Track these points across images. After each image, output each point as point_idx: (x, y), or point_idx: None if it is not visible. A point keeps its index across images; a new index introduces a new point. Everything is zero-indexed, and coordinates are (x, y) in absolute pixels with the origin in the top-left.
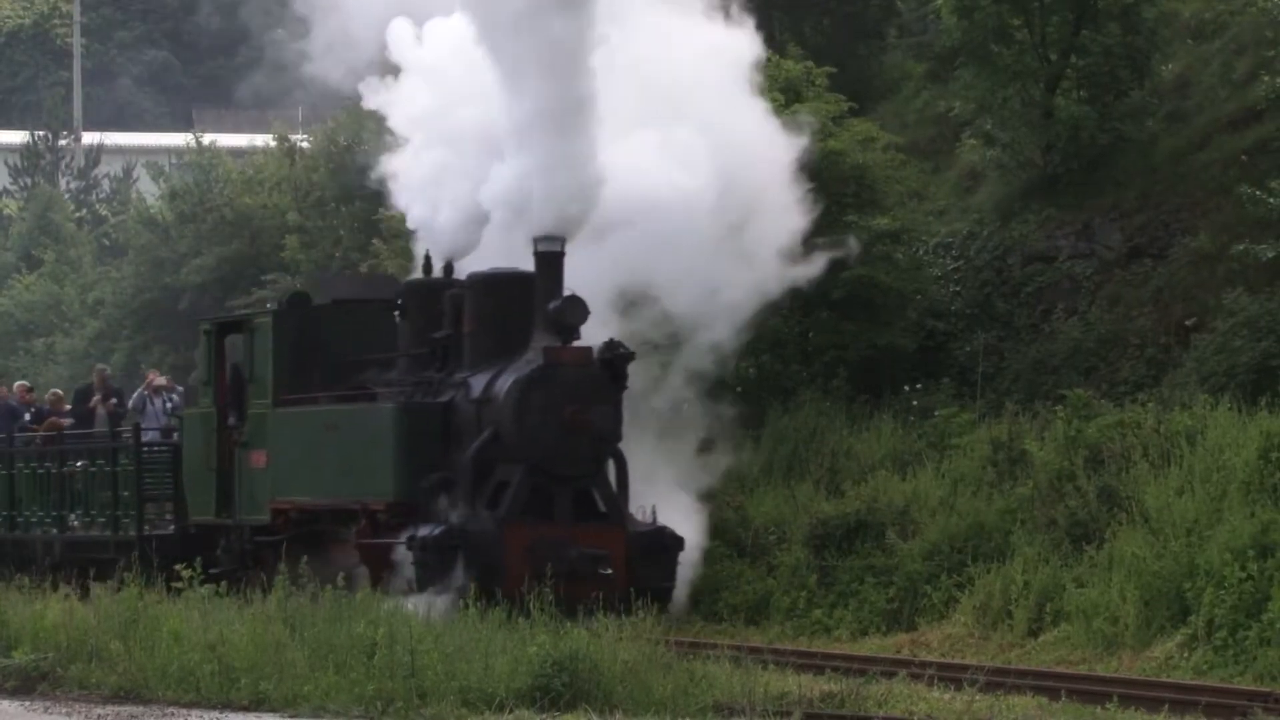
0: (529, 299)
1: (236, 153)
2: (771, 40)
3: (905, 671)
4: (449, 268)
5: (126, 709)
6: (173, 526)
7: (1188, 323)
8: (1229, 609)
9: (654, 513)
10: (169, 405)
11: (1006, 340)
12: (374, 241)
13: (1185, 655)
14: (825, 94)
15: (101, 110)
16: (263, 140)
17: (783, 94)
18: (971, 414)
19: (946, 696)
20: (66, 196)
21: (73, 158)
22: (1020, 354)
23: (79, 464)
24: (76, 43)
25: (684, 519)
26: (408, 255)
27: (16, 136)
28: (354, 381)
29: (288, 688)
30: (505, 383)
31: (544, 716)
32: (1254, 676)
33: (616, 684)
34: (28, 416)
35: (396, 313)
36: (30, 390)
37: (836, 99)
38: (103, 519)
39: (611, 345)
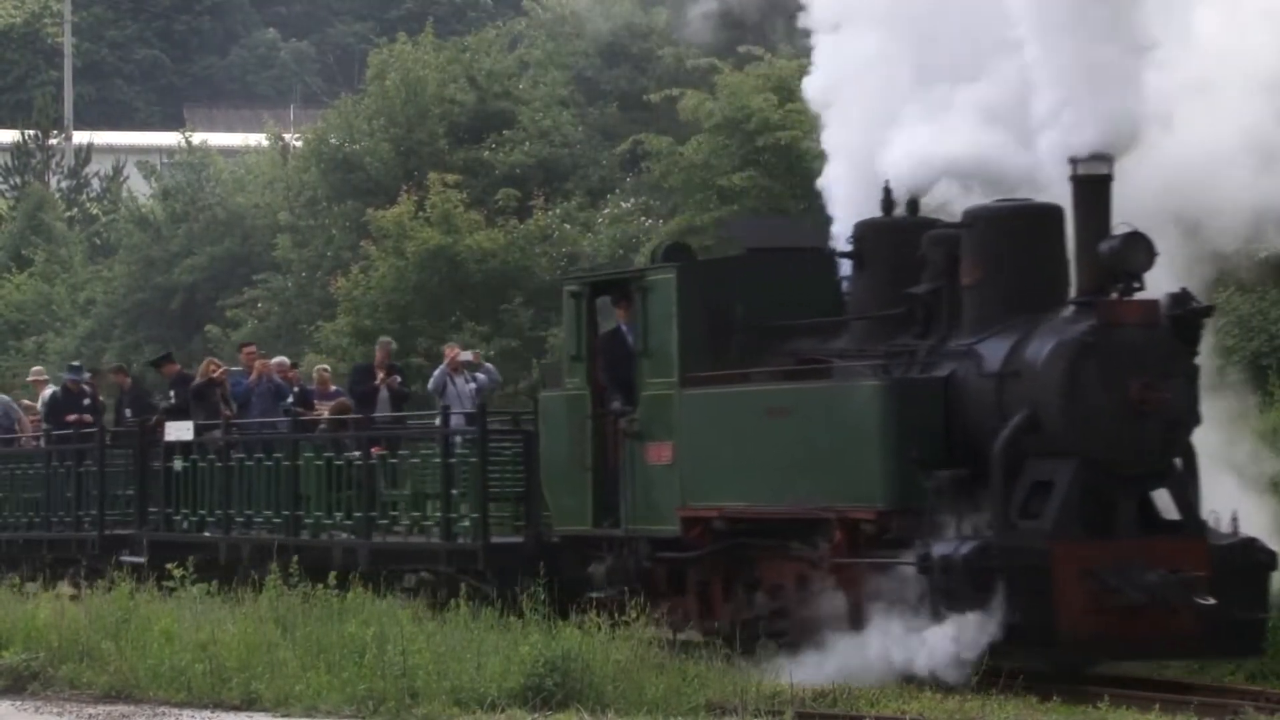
0: (1056, 239)
1: (228, 152)
2: (764, 39)
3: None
4: (914, 204)
5: (118, 709)
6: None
7: None
8: None
9: (1235, 520)
10: (473, 385)
11: None
12: (363, 243)
13: None
14: None
15: (92, 109)
16: (255, 139)
17: (775, 93)
18: None
19: (938, 696)
20: (57, 195)
21: (63, 156)
22: None
23: (369, 453)
24: (67, 41)
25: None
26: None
27: (7, 135)
28: (783, 351)
29: (279, 687)
30: (1042, 349)
31: (536, 716)
32: (1245, 675)
33: (609, 684)
34: (289, 399)
35: (848, 262)
36: (294, 367)
37: None
38: (430, 522)
39: (1183, 297)
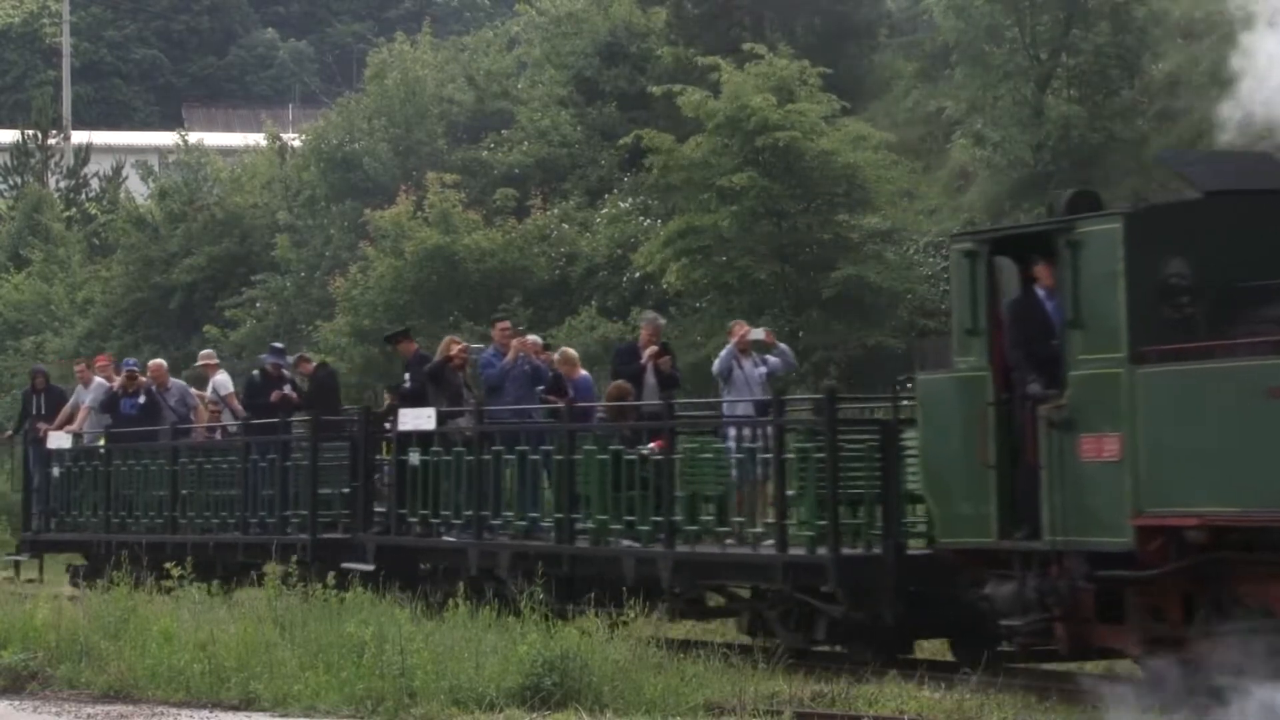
0: None
1: (226, 152)
2: (763, 39)
3: (896, 670)
4: None
5: (116, 708)
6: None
7: None
8: None
9: None
10: (763, 370)
11: None
12: (361, 243)
13: None
14: (817, 93)
15: (91, 109)
16: (253, 139)
17: (775, 94)
18: None
19: (936, 696)
20: (56, 195)
21: (62, 156)
22: None
23: (651, 447)
24: (66, 41)
25: None
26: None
27: (6, 135)
28: (1263, 318)
29: (278, 687)
30: None
31: (534, 716)
32: None
33: (607, 683)
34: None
35: None
36: (546, 348)
37: (829, 98)
38: (761, 530)
39: None
